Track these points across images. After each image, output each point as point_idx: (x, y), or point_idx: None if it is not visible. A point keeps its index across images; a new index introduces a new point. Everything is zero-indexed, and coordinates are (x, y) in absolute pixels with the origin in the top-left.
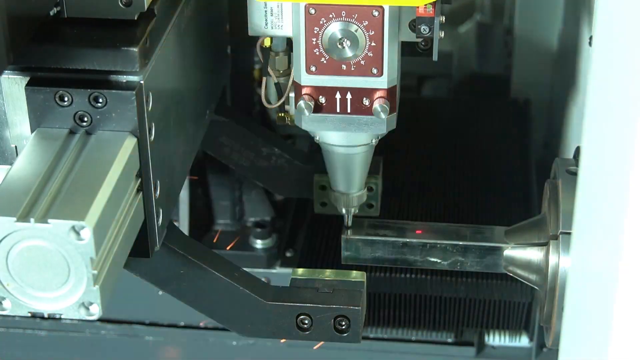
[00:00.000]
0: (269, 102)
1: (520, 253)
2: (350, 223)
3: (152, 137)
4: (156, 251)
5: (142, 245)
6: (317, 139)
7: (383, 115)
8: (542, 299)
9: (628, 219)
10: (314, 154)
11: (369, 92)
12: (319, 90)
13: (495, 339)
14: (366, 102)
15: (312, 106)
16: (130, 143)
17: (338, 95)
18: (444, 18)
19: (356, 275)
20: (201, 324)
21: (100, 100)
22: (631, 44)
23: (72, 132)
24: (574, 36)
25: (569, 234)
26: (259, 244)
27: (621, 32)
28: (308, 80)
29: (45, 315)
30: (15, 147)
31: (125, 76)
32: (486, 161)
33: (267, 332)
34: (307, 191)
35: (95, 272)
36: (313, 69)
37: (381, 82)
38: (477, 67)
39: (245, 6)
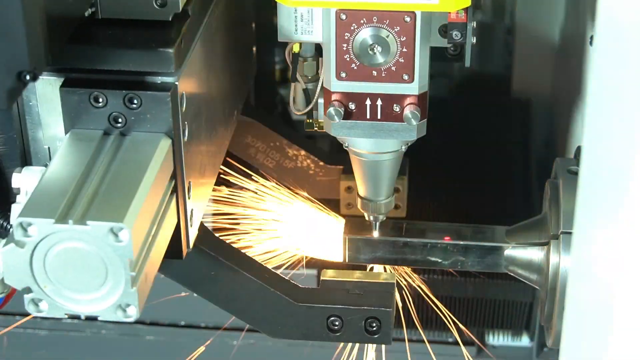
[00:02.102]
0: (297, 109)
1: (521, 253)
2: (378, 230)
3: (186, 138)
4: (188, 253)
5: (176, 247)
6: (346, 145)
7: (414, 122)
8: (542, 298)
9: (629, 218)
10: (339, 155)
11: (400, 99)
12: (349, 96)
13: (496, 339)
14: (396, 108)
15: (342, 112)
16: (165, 144)
17: (368, 102)
18: (474, 23)
19: (386, 277)
20: (201, 324)
21: (135, 101)
22: (632, 44)
23: (106, 134)
24: (575, 35)
25: (570, 233)
26: None
27: (622, 32)
28: (338, 86)
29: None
30: (49, 148)
31: (160, 77)
32: (487, 161)
33: (298, 333)
34: (333, 192)
35: (134, 273)
36: (343, 75)
37: (412, 88)
38: (477, 66)
39: (268, 6)
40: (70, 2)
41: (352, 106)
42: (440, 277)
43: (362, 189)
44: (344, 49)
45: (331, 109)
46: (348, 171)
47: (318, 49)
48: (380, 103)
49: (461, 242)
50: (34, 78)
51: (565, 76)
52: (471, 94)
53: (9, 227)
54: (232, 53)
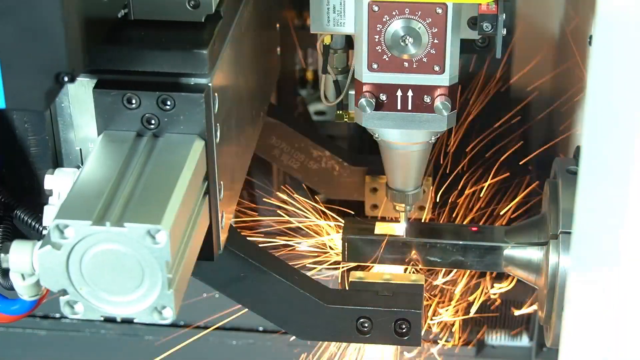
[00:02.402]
0: (327, 100)
1: (520, 253)
2: (406, 221)
3: (218, 139)
4: (218, 255)
5: (207, 249)
6: (376, 136)
7: (445, 113)
8: (541, 298)
9: (628, 218)
10: (364, 156)
11: (431, 90)
12: (380, 87)
13: (495, 339)
14: (427, 99)
15: (374, 103)
16: (198, 146)
17: (399, 93)
18: (504, 15)
19: (416, 278)
20: (201, 324)
21: (169, 102)
22: (631, 44)
23: (138, 135)
24: (575, 35)
25: (569, 233)
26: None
27: (621, 32)
28: (369, 77)
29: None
30: (80, 149)
31: (193, 78)
32: (486, 161)
33: (327, 335)
34: (358, 193)
35: (170, 275)
36: (375, 66)
37: (443, 79)
38: (477, 66)
39: (293, 6)
40: (105, 3)
41: (383, 97)
42: (440, 277)
43: (391, 180)
44: (376, 40)
45: (362, 100)
46: (372, 172)
47: (348, 41)
48: (411, 94)
49: (461, 242)
50: (72, 80)
51: (565, 76)
52: (471, 93)
53: (40, 228)
54: (259, 54)
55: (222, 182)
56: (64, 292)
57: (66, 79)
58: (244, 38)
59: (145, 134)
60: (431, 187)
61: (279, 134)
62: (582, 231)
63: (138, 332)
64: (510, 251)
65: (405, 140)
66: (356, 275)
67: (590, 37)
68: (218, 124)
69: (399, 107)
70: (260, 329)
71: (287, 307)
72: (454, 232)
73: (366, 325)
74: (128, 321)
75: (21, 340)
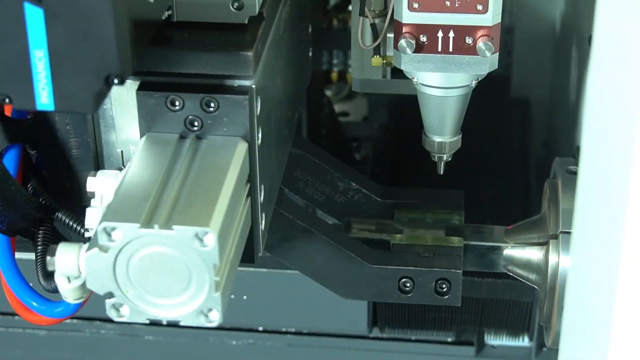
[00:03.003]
0: (364, 44)
1: (520, 252)
2: (442, 171)
3: (259, 142)
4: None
5: (248, 251)
6: (415, 80)
7: (488, 54)
8: (541, 298)
9: (628, 217)
10: (393, 188)
11: (473, 30)
12: (420, 28)
13: (495, 339)
14: (469, 40)
15: (414, 45)
16: (242, 148)
17: (440, 34)
18: None
19: (454, 241)
20: None
21: (212, 104)
22: (630, 43)
23: (181, 137)
24: (574, 35)
25: (569, 233)
26: None
27: (620, 31)
28: (410, 17)
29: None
30: (121, 151)
31: (237, 80)
32: (486, 160)
33: (370, 294)
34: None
35: (218, 278)
36: (416, 5)
37: (486, 19)
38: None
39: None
40: (151, 5)
41: (423, 38)
42: None
43: (428, 127)
44: None
45: (402, 41)
46: (401, 205)
47: None
48: (453, 35)
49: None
50: (122, 82)
51: (564, 76)
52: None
53: (82, 231)
54: (294, 55)
55: (262, 184)
56: (110, 295)
57: (116, 81)
58: (282, 39)
59: (189, 136)
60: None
61: (303, 166)
62: (581, 231)
63: (138, 332)
64: (510, 251)
65: (444, 84)
66: (396, 237)
67: (590, 37)
68: (260, 126)
69: (439, 49)
70: (260, 329)
71: (333, 267)
72: (454, 232)
73: (408, 285)
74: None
75: (21, 340)
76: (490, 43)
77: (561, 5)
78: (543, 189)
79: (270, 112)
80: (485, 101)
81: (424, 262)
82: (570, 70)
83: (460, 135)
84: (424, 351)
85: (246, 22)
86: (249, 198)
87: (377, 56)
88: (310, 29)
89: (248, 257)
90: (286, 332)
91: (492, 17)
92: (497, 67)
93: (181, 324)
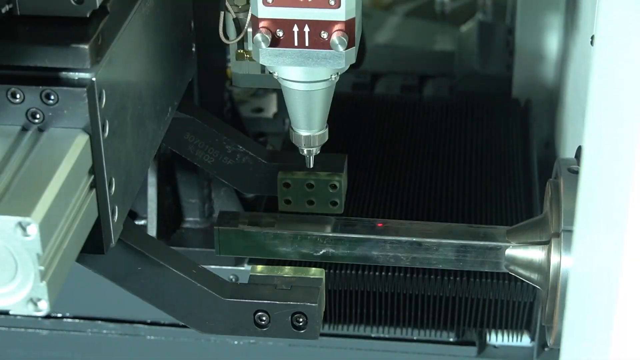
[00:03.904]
0: (227, 38)
1: (522, 252)
2: (312, 164)
3: (107, 134)
4: (113, 247)
5: (97, 242)
6: (276, 75)
7: (341, 48)
8: (543, 298)
9: (630, 217)
10: (279, 152)
11: (327, 25)
12: (276, 23)
13: (497, 339)
14: (324, 35)
15: (270, 39)
16: (82, 140)
17: (295, 28)
18: None
19: (315, 272)
20: None
21: (52, 97)
22: (633, 43)
23: (24, 129)
24: (576, 35)
25: (571, 232)
26: None
27: (623, 31)
28: (265, 12)
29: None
30: None
31: (77, 73)
32: (488, 160)
33: (226, 328)
34: (272, 188)
35: (42, 268)
36: (270, 0)
37: (339, 14)
38: (478, 66)
39: (213, 6)
40: None
41: (279, 33)
42: (441, 277)
43: (293, 121)
44: None
45: (258, 36)
46: (286, 168)
47: None
48: (308, 29)
49: (461, 242)
50: None
51: (566, 76)
52: (472, 94)
53: None
54: (164, 50)
55: (112, 177)
56: None
57: None
58: (144, 34)
59: (30, 128)
60: (344, 184)
61: (193, 130)
62: (583, 230)
63: (139, 332)
64: (511, 251)
65: (304, 79)
66: (256, 269)
67: (592, 37)
68: (107, 119)
69: (296, 44)
70: None
71: (185, 301)
72: (456, 231)
73: (264, 318)
74: (130, 321)
75: (22, 340)
76: (344, 38)
77: (563, 5)
78: (545, 188)
79: (124, 105)
80: (487, 101)
81: (280, 295)
82: (572, 69)
83: (327, 129)
84: (425, 351)
85: (88, 15)
86: (94, 189)
87: (241, 50)
88: (192, 24)
89: (97, 248)
90: None
91: (345, 12)
92: (354, 62)
93: (11, 312)
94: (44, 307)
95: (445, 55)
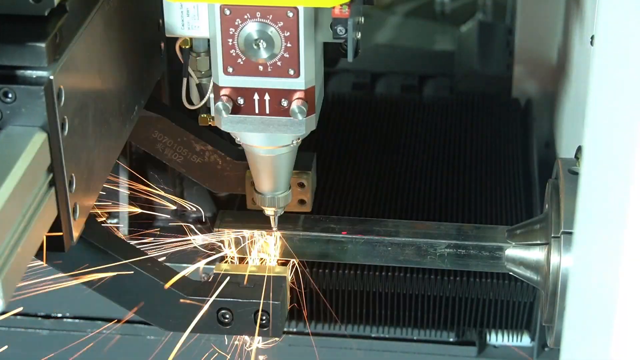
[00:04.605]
0: (190, 103)
1: (522, 252)
2: (276, 225)
3: (66, 132)
4: (75, 245)
5: (57, 239)
6: (238, 140)
7: (300, 117)
8: (543, 298)
9: (630, 218)
10: None
11: (287, 93)
12: (237, 91)
13: (497, 339)
14: (284, 103)
15: (230, 107)
16: (39, 138)
17: (256, 97)
18: (362, 19)
19: (279, 270)
20: None
21: (10, 95)
22: (633, 43)
23: None
24: (576, 35)
25: (571, 233)
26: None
27: (623, 31)
28: (226, 81)
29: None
30: None
31: (35, 71)
32: (488, 161)
33: (189, 326)
34: (241, 187)
35: None
36: (230, 70)
37: (298, 83)
38: (478, 66)
39: None
40: None
41: (240, 101)
42: (441, 277)
43: (258, 184)
44: (230, 44)
45: (219, 104)
46: None
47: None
48: (268, 98)
49: (461, 242)
50: None
51: (566, 76)
52: (472, 93)
53: None
54: (130, 48)
55: (73, 175)
56: None
57: None
58: (106, 33)
59: None
60: (311, 182)
61: (161, 129)
62: (584, 231)
63: (140, 332)
64: (511, 251)
65: (265, 144)
66: (222, 267)
67: (592, 37)
68: (66, 117)
69: (257, 111)
70: None
71: (148, 299)
72: (456, 231)
73: (227, 316)
74: (130, 321)
75: (22, 340)
76: (303, 107)
77: (563, 5)
78: (545, 189)
79: (85, 103)
80: (487, 102)
81: (243, 293)
82: (572, 69)
83: (290, 190)
84: (425, 351)
85: (46, 14)
86: (53, 187)
87: (204, 115)
88: (161, 22)
89: (58, 245)
90: (287, 332)
91: (304, 81)
92: (315, 128)
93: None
94: None
95: (445, 55)
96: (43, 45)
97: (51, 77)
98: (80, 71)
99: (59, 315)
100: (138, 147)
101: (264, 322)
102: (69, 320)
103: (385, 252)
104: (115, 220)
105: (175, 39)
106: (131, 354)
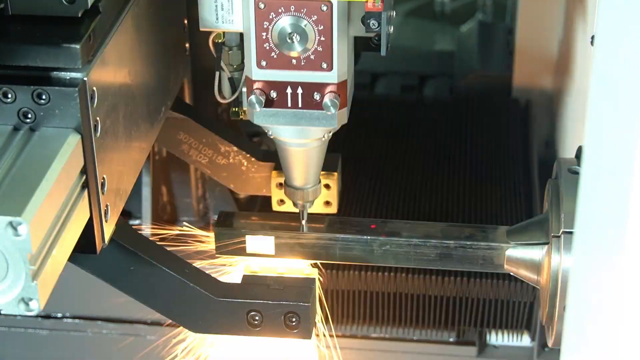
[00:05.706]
0: (222, 97)
1: (522, 252)
2: (305, 218)
3: (99, 134)
4: (105, 247)
5: (89, 242)
6: (270, 133)
7: (333, 110)
8: (543, 298)
9: (630, 218)
10: (272, 152)
11: (320, 87)
12: (270, 84)
13: (497, 339)
14: (317, 96)
15: (263, 101)
16: (73, 139)
17: (289, 90)
18: (394, 12)
19: (308, 272)
20: None
21: (44, 96)
22: (633, 43)
23: (16, 129)
24: (576, 35)
25: (571, 233)
26: None
27: (623, 31)
28: (259, 74)
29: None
30: None
31: (69, 73)
32: (488, 160)
33: (218, 328)
34: (266, 188)
35: (34, 267)
36: (264, 63)
37: (331, 77)
38: (478, 66)
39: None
40: None
41: (273, 94)
42: (441, 277)
43: (288, 177)
44: (264, 37)
45: (252, 97)
46: (279, 168)
47: (243, 38)
48: (301, 91)
49: (461, 242)
50: None
51: (566, 76)
52: (472, 93)
53: None
54: (158, 49)
55: (105, 176)
56: None
57: None
58: (136, 33)
59: (22, 128)
60: (337, 184)
61: (187, 130)
62: (583, 231)
63: (140, 332)
64: (511, 251)
65: (298, 138)
66: (250, 268)
67: (592, 37)
68: (98, 119)
69: (289, 104)
70: None
71: (178, 301)
72: (456, 231)
73: (257, 318)
74: (130, 321)
75: (22, 340)
76: (335, 100)
77: (563, 5)
78: (545, 189)
79: (117, 105)
80: (487, 101)
81: (273, 294)
82: (572, 69)
83: (320, 184)
84: (425, 351)
85: (79, 15)
86: (86, 189)
87: (236, 108)
88: (186, 23)
89: (90, 247)
90: None
91: (337, 75)
92: (346, 122)
93: (2, 312)
94: (35, 307)
95: (445, 55)
96: (77, 46)
97: (85, 79)
98: (111, 72)
99: (59, 315)
100: (161, 147)
101: (293, 323)
102: (69, 320)
103: (386, 252)
104: (137, 222)
105: (208, 33)
106: (131, 354)
